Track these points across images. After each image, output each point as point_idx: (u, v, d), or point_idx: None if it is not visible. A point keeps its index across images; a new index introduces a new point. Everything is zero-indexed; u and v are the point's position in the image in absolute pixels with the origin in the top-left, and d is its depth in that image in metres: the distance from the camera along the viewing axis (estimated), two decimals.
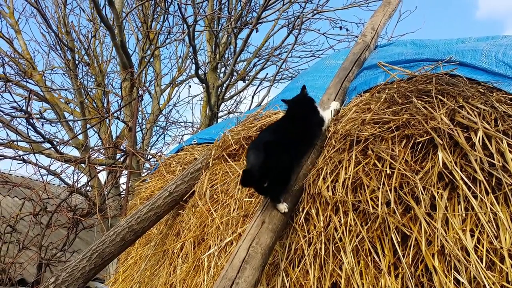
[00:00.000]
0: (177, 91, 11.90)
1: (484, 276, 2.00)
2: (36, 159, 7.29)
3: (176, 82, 11.05)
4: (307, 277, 2.53)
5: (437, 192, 2.24)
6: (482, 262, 2.04)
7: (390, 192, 2.34)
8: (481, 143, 2.20)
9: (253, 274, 2.33)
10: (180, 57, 10.56)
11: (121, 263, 4.41)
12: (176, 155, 4.37)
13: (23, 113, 5.97)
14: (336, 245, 2.47)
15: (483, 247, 2.08)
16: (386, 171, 2.40)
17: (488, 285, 1.99)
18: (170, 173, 4.07)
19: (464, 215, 2.17)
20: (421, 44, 3.43)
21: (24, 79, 8.12)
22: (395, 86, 2.82)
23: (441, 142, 2.27)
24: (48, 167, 7.04)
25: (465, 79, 2.58)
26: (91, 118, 7.89)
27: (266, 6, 8.06)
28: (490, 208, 2.11)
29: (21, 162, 6.95)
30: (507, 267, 2.00)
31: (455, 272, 2.07)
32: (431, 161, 2.33)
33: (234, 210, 3.10)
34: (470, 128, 2.28)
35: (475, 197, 2.16)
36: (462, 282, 2.04)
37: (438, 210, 2.20)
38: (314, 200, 2.66)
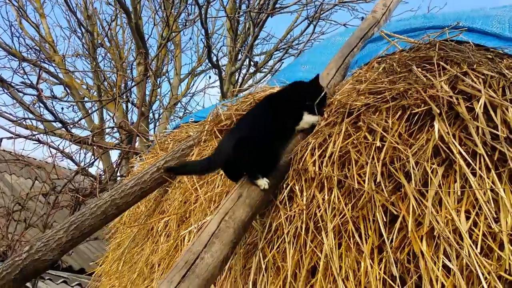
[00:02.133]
0: (194, 82, 11.73)
1: (478, 264, 1.72)
2: (50, 139, 7.23)
3: (196, 72, 10.90)
4: (285, 259, 2.28)
5: (431, 168, 1.97)
6: (477, 248, 1.76)
7: (380, 167, 2.08)
8: (484, 114, 1.92)
9: (222, 249, 2.10)
10: (201, 46, 10.35)
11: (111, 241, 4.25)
12: (172, 132, 4.18)
13: (34, 90, 5.86)
14: (318, 224, 2.22)
15: (479, 230, 1.80)
16: (376, 144, 2.14)
17: (483, 274, 1.71)
18: (164, 150, 3.87)
19: (460, 194, 1.89)
20: (431, 16, 3.13)
21: (41, 60, 8.06)
22: (396, 56, 2.55)
23: (439, 111, 2.00)
24: (59, 147, 6.94)
25: (472, 45, 2.30)
26: (99, 100, 7.77)
27: None
28: (491, 186, 1.83)
29: (36, 142, 6.88)
30: (506, 254, 1.71)
31: (444, 258, 1.80)
32: (427, 134, 2.06)
33: (218, 186, 2.88)
34: (474, 97, 2.00)
35: (474, 174, 1.88)
36: (452, 270, 1.77)
37: (430, 187, 1.93)
38: (300, 176, 2.42)
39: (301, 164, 2.40)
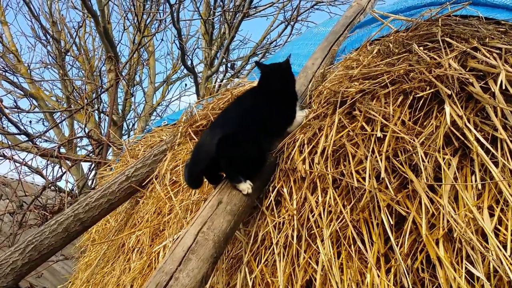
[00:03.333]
0: (169, 90, 11.37)
1: (510, 268, 1.42)
2: (17, 154, 6.76)
3: (171, 80, 10.53)
4: (275, 274, 1.95)
5: (443, 159, 1.67)
6: (506, 250, 1.47)
7: (382, 162, 1.77)
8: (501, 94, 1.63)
9: (200, 266, 1.76)
10: (175, 53, 10.00)
11: (79, 261, 3.85)
12: (143, 138, 3.82)
13: None
14: (312, 231, 1.90)
15: (506, 229, 1.51)
16: (376, 134, 1.83)
17: None
18: (135, 158, 3.51)
19: (480, 187, 1.60)
20: None
21: (2, 70, 7.60)
22: (391, 37, 2.26)
23: (449, 93, 1.70)
24: (26, 162, 6.49)
25: (482, 17, 2.02)
26: (66, 110, 7.33)
27: None
28: None
29: (2, 157, 6.42)
30: None
31: (467, 264, 1.50)
32: (435, 120, 1.77)
33: (195, 193, 2.54)
34: (489, 74, 1.71)
35: (495, 164, 1.59)
36: (478, 277, 1.47)
37: (444, 182, 1.63)
38: (288, 177, 2.10)
39: (288, 163, 2.09)
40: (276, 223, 2.02)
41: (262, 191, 2.18)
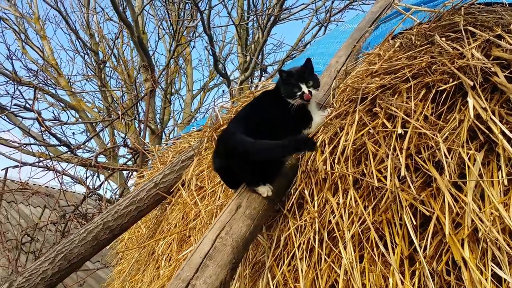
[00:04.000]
0: (206, 97, 11.45)
1: None
2: (60, 165, 6.94)
3: (208, 87, 10.61)
4: (299, 279, 1.89)
5: (468, 154, 1.57)
6: None
7: (403, 159, 1.69)
8: None
9: (218, 273, 1.73)
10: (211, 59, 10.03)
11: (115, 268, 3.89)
12: (174, 144, 3.83)
13: (32, 113, 5.61)
14: (333, 234, 1.83)
15: None
16: (397, 131, 1.75)
17: None
18: (164, 164, 3.52)
19: (506, 183, 1.49)
20: None
21: (43, 83, 7.82)
22: (414, 30, 2.17)
23: (472, 84, 1.61)
24: (68, 172, 6.65)
25: (506, 3, 1.91)
26: (103, 120, 7.47)
27: None
28: None
29: (44, 169, 6.60)
30: None
31: (493, 266, 1.39)
32: (459, 114, 1.67)
33: (219, 198, 2.51)
34: None
35: None
36: (505, 280, 1.37)
37: (468, 178, 1.53)
38: (310, 178, 2.04)
39: (310, 164, 2.03)
40: (298, 227, 1.96)
41: (284, 194, 2.13)
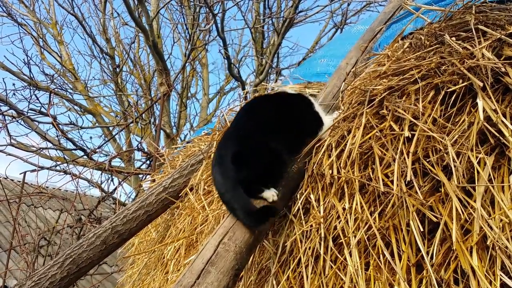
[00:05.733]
0: (223, 101, 11.44)
1: None
2: (76, 169, 7.00)
3: (225, 91, 10.61)
4: (304, 285, 1.84)
5: (477, 158, 1.51)
6: None
7: (410, 163, 1.63)
8: None
9: (220, 279, 1.69)
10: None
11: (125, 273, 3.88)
12: (184, 148, 3.81)
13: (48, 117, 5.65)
14: (339, 240, 1.78)
15: None
16: (404, 134, 1.69)
17: None
18: (174, 168, 3.50)
19: None
20: None
21: (59, 88, 7.90)
22: (424, 30, 2.10)
23: (481, 85, 1.54)
24: (83, 176, 6.68)
25: None
26: (117, 124, 7.51)
27: None
28: None
29: (60, 172, 6.65)
30: None
31: (502, 275, 1.33)
32: (468, 116, 1.60)
33: None
34: None
35: None
36: None
37: (477, 183, 1.47)
38: (316, 182, 1.99)
39: (317, 168, 1.98)
40: (303, 232, 1.91)
41: (290, 198, 2.09)
